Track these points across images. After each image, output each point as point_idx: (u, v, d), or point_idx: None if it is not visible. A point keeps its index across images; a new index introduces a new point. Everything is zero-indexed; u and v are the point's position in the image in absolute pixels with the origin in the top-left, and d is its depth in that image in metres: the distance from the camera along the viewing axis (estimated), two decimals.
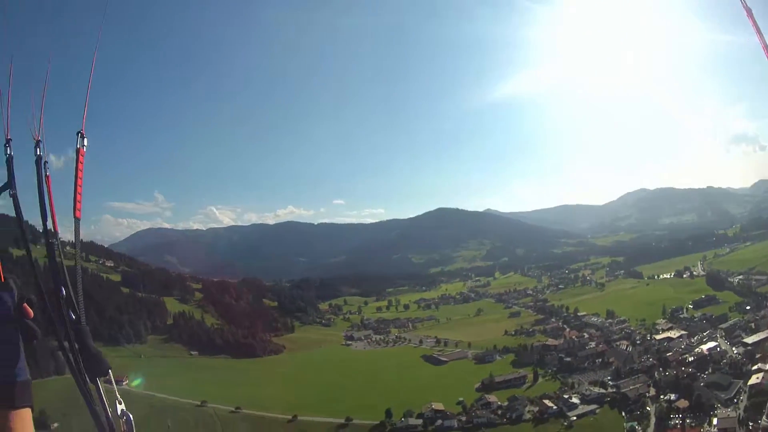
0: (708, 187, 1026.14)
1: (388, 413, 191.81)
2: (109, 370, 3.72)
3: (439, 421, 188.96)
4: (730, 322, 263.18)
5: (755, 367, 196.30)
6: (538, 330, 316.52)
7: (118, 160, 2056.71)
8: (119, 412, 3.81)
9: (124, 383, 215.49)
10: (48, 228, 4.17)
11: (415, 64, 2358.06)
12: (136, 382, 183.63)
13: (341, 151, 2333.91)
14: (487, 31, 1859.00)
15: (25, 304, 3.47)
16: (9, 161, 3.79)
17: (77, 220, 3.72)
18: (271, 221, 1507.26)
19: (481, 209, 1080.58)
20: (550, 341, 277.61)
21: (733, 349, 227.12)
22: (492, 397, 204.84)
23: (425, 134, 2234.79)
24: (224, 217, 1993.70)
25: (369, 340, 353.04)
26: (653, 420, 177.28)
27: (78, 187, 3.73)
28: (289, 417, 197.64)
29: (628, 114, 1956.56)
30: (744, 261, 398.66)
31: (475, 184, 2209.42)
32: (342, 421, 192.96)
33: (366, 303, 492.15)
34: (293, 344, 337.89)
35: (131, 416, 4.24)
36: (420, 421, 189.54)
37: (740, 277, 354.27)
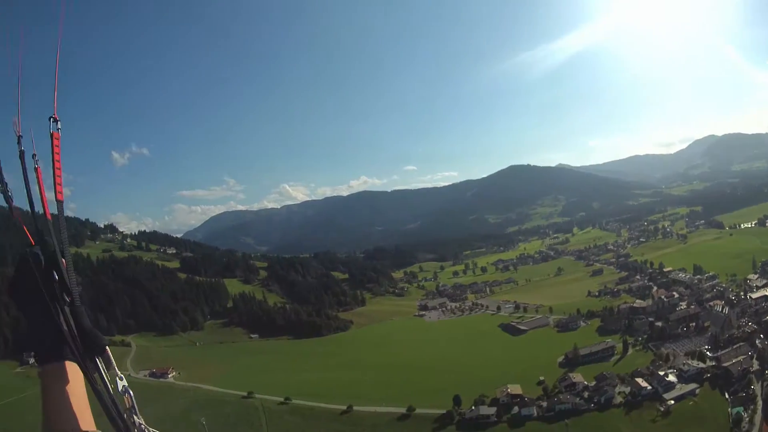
0: None
1: (457, 400, 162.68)
2: (107, 348, 3.42)
3: (516, 409, 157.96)
4: None
5: None
6: (623, 289, 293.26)
7: (186, 151, 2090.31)
8: (120, 389, 3.34)
9: (169, 376, 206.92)
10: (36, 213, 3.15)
11: (476, 21, 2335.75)
12: None
13: (409, 116, 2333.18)
14: None
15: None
16: None
17: (60, 202, 3.49)
18: (344, 193, 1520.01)
19: (552, 164, 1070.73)
20: (638, 303, 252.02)
21: None
22: (577, 376, 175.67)
23: (492, 92, 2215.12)
24: (298, 193, 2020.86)
25: (444, 309, 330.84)
26: (760, 403, 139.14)
27: (56, 170, 3.52)
28: (344, 407, 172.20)
29: (691, 60, 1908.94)
30: None
31: (544, 140, 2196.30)
32: (403, 411, 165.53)
33: (442, 268, 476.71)
34: (363, 318, 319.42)
35: (132, 392, 3.26)
36: (493, 410, 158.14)
37: None
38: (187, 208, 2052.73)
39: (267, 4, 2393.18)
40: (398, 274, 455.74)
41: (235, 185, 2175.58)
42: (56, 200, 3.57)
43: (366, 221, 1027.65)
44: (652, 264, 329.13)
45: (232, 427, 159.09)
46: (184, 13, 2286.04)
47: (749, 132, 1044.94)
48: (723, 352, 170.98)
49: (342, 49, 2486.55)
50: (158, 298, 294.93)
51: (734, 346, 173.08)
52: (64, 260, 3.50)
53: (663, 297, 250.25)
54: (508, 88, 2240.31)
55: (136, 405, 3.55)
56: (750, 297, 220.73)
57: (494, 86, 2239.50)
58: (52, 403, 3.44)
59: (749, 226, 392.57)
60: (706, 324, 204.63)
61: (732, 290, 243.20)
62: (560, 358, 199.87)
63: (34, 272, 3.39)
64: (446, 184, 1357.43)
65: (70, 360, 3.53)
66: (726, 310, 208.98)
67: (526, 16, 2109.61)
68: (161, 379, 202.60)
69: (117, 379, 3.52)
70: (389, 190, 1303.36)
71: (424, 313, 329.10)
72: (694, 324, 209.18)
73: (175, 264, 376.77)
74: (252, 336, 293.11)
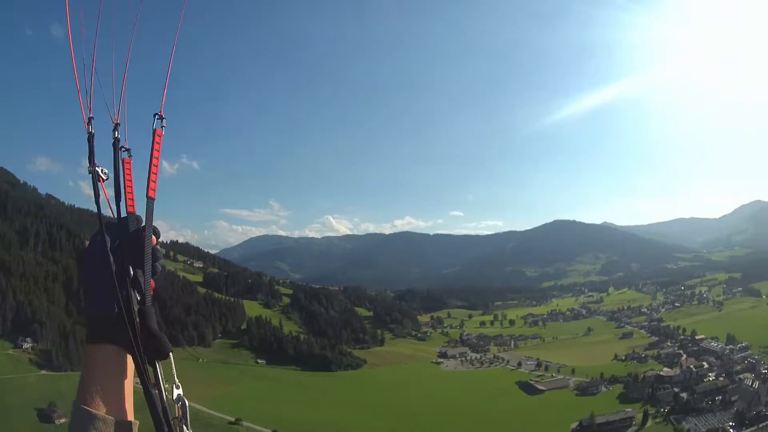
0: None
1: None
2: (170, 354, 3.45)
3: None
4: None
5: None
6: (651, 355, 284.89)
7: (234, 169, 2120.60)
8: (175, 397, 3.09)
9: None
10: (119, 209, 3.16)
11: (525, 72, 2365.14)
12: None
13: (460, 163, 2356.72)
14: (593, 35, 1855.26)
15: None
16: (89, 139, 3.00)
17: (150, 200, 2.95)
18: (387, 231, 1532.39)
19: (598, 222, 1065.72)
20: (665, 371, 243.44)
21: None
22: None
23: (546, 144, 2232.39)
24: (341, 226, 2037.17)
25: (463, 358, 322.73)
26: None
27: (153, 167, 3.12)
28: None
29: (745, 121, 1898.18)
30: None
31: (592, 195, 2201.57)
32: None
33: (470, 316, 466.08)
34: (378, 359, 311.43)
35: (187, 402, 3.25)
36: None
37: None
38: (228, 226, 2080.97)
39: (344, 49, 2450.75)
40: (424, 318, 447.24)
41: (279, 210, 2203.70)
42: (147, 197, 3.52)
43: (404, 261, 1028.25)
44: (684, 330, 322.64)
45: None
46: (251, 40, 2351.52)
47: None
48: (748, 430, 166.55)
49: (399, 97, 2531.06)
50: (171, 309, 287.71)
51: (761, 425, 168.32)
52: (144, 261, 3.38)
53: (692, 366, 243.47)
54: (557, 140, 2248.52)
55: (188, 417, 3.46)
56: None
57: (544, 138, 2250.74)
58: (96, 383, 3.33)
59: None
60: (733, 398, 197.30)
61: (765, 363, 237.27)
62: (574, 425, 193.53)
63: (106, 254, 3.30)
64: (490, 233, 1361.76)
65: (125, 349, 3.45)
66: (756, 384, 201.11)
67: (578, 65, 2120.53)
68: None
69: (174, 386, 3.53)
70: (432, 233, 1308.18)
71: (442, 360, 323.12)
72: (720, 398, 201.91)
73: (198, 278, 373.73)
74: (259, 361, 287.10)
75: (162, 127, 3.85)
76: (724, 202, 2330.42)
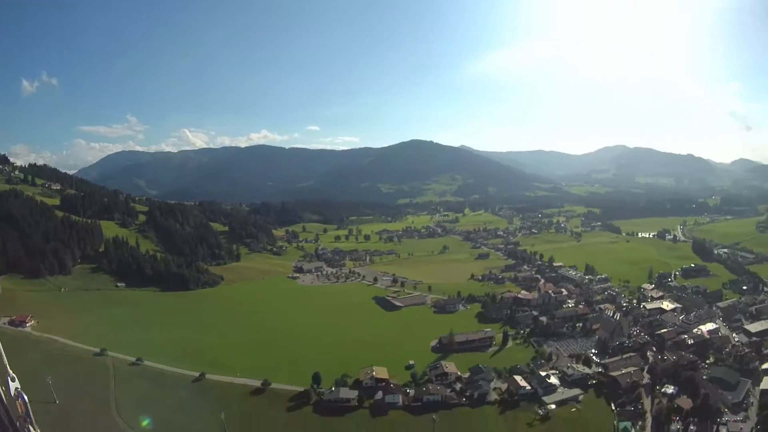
0: (689, 154, 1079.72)
1: (316, 378, 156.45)
2: None
3: (380, 394, 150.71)
4: (728, 302, 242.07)
5: (766, 367, 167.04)
6: (509, 277, 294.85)
7: (92, 83, 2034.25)
8: (13, 392, 2.91)
9: (27, 326, 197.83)
10: None
11: None
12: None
13: (319, 75, 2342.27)
14: None
15: None
16: None
17: None
18: (243, 144, 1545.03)
19: (456, 145, 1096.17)
20: (523, 293, 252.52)
21: (734, 336, 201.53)
22: (450, 365, 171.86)
23: (407, 63, 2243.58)
24: (197, 140, 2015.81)
25: (319, 273, 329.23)
26: (650, 421, 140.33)
27: None
28: (196, 375, 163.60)
29: (617, 69, 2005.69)
30: (727, 234, 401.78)
31: (451, 120, 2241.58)
32: (258, 384, 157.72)
33: (325, 231, 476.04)
34: (234, 275, 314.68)
35: (26, 396, 2.76)
36: (355, 393, 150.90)
37: (725, 250, 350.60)
38: (85, 144, 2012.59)
39: None
40: (279, 232, 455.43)
41: (136, 124, 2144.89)
42: None
43: (260, 175, 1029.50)
44: (541, 256, 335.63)
45: (79, 389, 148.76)
46: None
47: (661, 150, 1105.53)
48: (612, 360, 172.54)
49: (260, 7, 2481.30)
50: (30, 237, 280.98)
51: (624, 356, 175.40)
52: None
53: (550, 292, 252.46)
54: (420, 64, 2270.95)
55: (31, 411, 3.45)
56: (644, 307, 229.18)
57: (405, 62, 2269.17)
58: None
59: (647, 236, 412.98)
60: (594, 327, 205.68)
61: (624, 296, 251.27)
62: (434, 342, 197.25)
63: None
64: (346, 148, 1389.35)
65: None
66: (618, 315, 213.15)
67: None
68: (19, 328, 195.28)
69: (8, 379, 3.44)
70: (287, 147, 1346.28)
71: (298, 275, 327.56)
72: (581, 325, 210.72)
73: (55, 201, 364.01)
74: (119, 285, 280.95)
75: None
76: (587, 142, 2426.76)
